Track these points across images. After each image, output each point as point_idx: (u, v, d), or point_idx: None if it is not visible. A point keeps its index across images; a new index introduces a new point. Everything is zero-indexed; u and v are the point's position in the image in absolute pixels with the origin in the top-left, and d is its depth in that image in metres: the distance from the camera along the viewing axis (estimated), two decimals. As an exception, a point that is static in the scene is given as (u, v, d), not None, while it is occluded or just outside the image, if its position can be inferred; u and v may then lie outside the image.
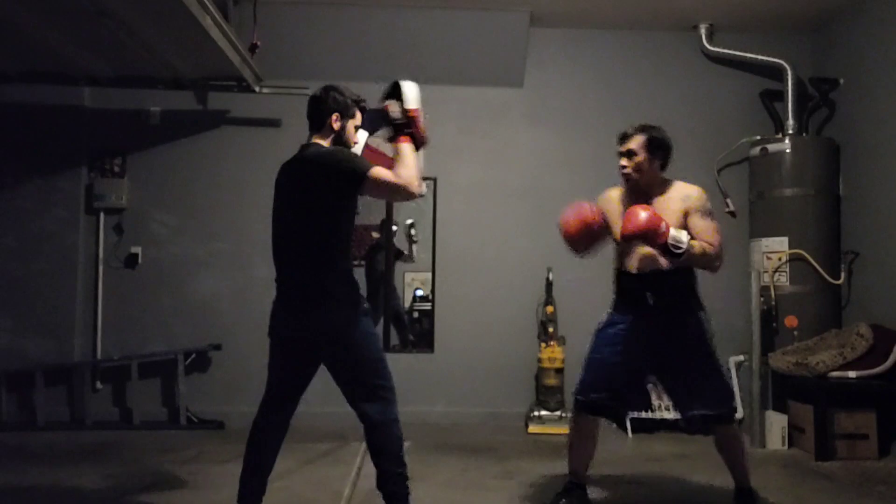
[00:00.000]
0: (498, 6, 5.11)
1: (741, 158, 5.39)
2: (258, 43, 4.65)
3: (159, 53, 4.42)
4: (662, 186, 3.08)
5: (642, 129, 3.07)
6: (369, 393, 2.70)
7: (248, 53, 4.61)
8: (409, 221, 5.66)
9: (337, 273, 2.64)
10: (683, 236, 2.82)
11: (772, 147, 5.06)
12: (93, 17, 3.77)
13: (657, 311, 3.05)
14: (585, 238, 3.08)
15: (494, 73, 5.41)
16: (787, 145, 5.02)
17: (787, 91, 5.21)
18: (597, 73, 5.55)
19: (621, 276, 3.20)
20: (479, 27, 5.25)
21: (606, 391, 3.11)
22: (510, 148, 5.48)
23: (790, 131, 5.15)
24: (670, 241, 2.78)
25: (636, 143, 3.03)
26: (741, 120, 5.44)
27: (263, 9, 4.76)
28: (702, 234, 2.94)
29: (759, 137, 5.22)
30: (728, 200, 5.43)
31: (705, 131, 5.49)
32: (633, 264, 3.09)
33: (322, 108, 2.88)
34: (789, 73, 5.21)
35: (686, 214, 2.98)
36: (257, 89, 5.04)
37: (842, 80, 5.16)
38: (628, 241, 2.89)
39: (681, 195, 3.03)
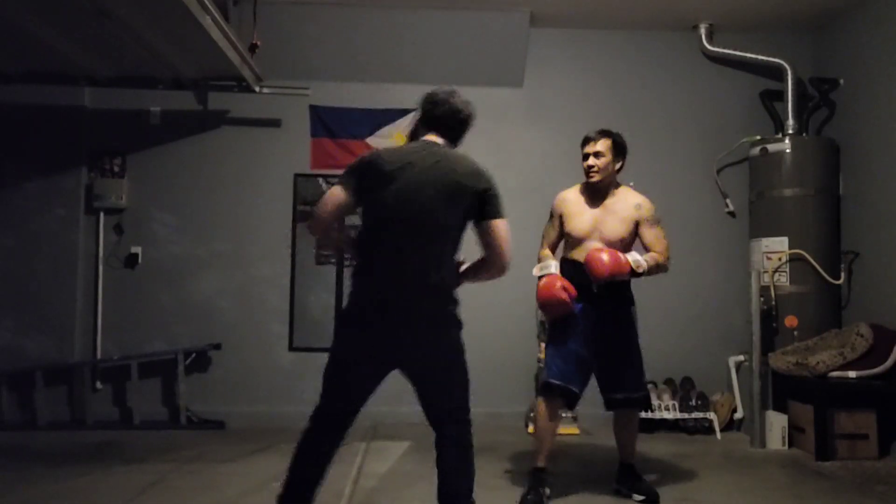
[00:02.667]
0: (498, 6, 5.11)
1: (741, 158, 5.40)
2: (258, 43, 4.65)
3: (159, 53, 4.43)
4: (615, 189, 3.46)
5: (608, 132, 3.41)
6: (460, 414, 2.68)
7: (248, 53, 4.61)
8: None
9: (455, 293, 2.63)
10: (642, 259, 3.27)
11: (772, 147, 5.06)
12: (93, 17, 3.77)
13: (600, 301, 3.35)
14: (560, 308, 3.31)
15: (494, 73, 5.41)
16: (787, 145, 5.02)
17: (787, 91, 5.21)
18: (597, 73, 5.55)
19: (571, 265, 3.40)
20: (479, 27, 5.25)
21: (578, 376, 3.36)
22: (510, 148, 5.48)
23: (790, 131, 5.15)
24: (633, 266, 3.22)
25: (604, 145, 3.38)
26: (741, 120, 5.44)
27: (263, 9, 4.76)
28: (653, 244, 3.38)
29: (759, 137, 5.22)
30: (727, 200, 5.44)
31: (705, 131, 5.49)
32: (582, 257, 3.33)
33: (466, 123, 2.68)
34: (789, 73, 5.21)
35: (638, 224, 3.39)
36: (257, 89, 5.03)
37: (842, 80, 5.16)
38: (600, 283, 3.26)
39: (633, 203, 3.42)
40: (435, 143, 2.57)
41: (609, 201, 3.41)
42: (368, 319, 2.44)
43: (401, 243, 2.43)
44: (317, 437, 2.61)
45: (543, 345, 5.10)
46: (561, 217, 3.47)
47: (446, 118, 2.60)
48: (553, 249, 3.56)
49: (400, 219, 2.42)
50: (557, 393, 3.34)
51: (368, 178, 2.44)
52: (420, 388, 2.61)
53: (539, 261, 3.49)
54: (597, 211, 3.40)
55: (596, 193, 3.42)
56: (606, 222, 3.38)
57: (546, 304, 3.32)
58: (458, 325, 2.63)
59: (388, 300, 2.42)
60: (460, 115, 2.62)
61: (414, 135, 2.69)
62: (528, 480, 3.41)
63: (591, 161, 3.37)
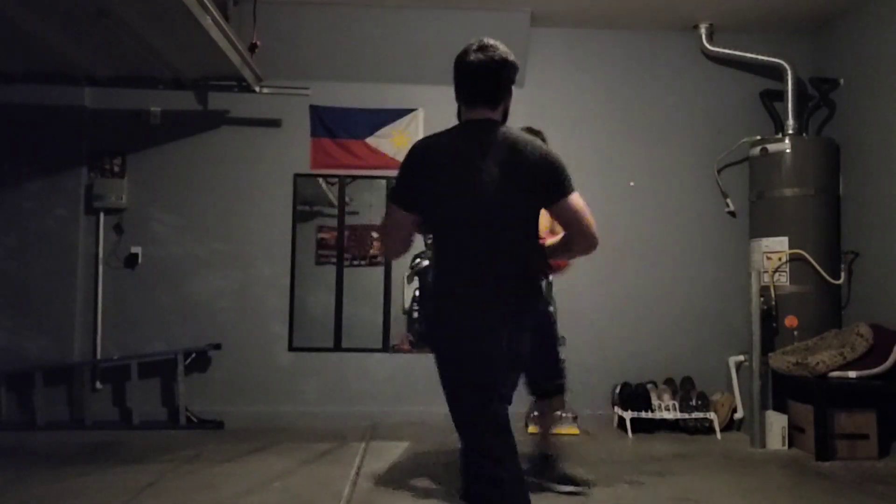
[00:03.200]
0: (498, 6, 5.11)
1: (741, 158, 5.39)
2: (258, 43, 4.65)
3: (159, 53, 4.43)
4: None
5: (536, 131, 3.24)
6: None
7: (248, 53, 4.61)
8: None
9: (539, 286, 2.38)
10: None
11: (772, 147, 5.06)
12: (93, 17, 3.77)
13: None
14: None
15: (494, 73, 5.41)
16: (787, 145, 5.02)
17: (787, 91, 5.21)
18: (597, 72, 5.54)
19: None
20: (479, 27, 5.20)
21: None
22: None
23: (790, 131, 5.15)
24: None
25: None
26: (741, 120, 5.44)
27: (263, 9, 4.76)
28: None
29: (759, 137, 5.22)
30: (727, 200, 5.44)
31: (705, 131, 5.49)
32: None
33: (508, 79, 2.31)
34: (789, 73, 5.21)
35: None
36: (257, 89, 5.03)
37: (842, 80, 5.16)
38: None
39: None
40: (480, 123, 2.25)
41: None
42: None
43: (473, 239, 2.19)
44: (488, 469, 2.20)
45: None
46: None
47: (474, 84, 2.24)
48: None
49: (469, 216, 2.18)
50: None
51: (423, 183, 2.18)
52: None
53: None
54: None
55: None
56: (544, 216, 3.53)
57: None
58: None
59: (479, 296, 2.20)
60: (492, 67, 2.23)
61: (458, 113, 2.35)
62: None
63: None
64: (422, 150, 2.23)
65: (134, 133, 5.30)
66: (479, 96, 2.27)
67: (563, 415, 4.96)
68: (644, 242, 5.38)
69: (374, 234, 2.15)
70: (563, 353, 3.76)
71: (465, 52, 2.25)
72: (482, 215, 2.16)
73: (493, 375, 2.26)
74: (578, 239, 2.29)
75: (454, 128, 2.29)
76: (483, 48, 2.24)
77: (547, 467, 3.55)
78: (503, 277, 2.19)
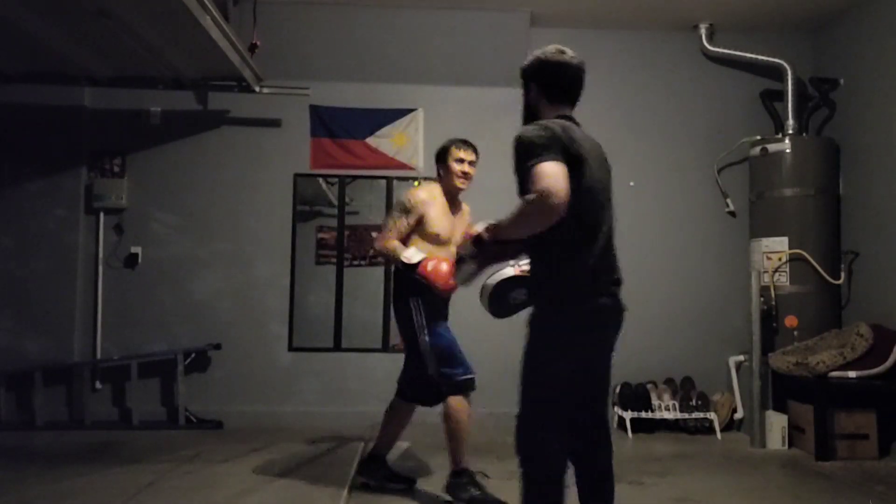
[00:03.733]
0: (498, 6, 5.12)
1: (741, 158, 5.40)
2: (258, 43, 4.65)
3: (159, 53, 4.43)
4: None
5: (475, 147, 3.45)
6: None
7: (248, 53, 4.61)
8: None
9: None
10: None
11: (772, 147, 5.06)
12: (93, 17, 3.77)
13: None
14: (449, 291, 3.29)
15: (494, 73, 5.41)
16: (787, 145, 5.02)
17: (787, 91, 5.21)
18: (597, 73, 5.48)
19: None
20: (479, 27, 5.25)
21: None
22: (510, 148, 5.46)
23: (790, 131, 5.15)
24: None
25: (475, 156, 3.45)
26: (741, 120, 5.44)
27: (263, 9, 4.77)
28: None
29: (759, 137, 5.22)
30: (727, 200, 5.44)
31: (705, 131, 5.49)
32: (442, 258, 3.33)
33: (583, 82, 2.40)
34: (789, 73, 5.21)
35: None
36: (257, 89, 5.03)
37: (842, 80, 5.16)
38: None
39: (467, 210, 3.57)
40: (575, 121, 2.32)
41: (458, 209, 3.52)
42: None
43: (606, 233, 2.26)
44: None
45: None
46: (421, 217, 3.34)
47: (577, 86, 2.37)
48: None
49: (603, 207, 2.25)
50: (473, 386, 3.37)
51: (573, 154, 2.16)
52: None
53: (393, 249, 3.29)
54: (453, 217, 3.46)
55: (454, 200, 3.48)
56: (457, 229, 3.43)
57: (445, 287, 3.21)
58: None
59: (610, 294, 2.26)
60: (583, 76, 2.38)
61: (533, 109, 2.45)
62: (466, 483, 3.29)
63: (468, 169, 3.41)
64: (563, 128, 2.20)
65: (134, 133, 5.31)
66: (577, 97, 2.41)
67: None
68: (644, 242, 5.37)
69: (539, 192, 1.85)
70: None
71: (561, 54, 2.38)
72: (608, 214, 2.29)
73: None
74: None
75: (564, 118, 2.32)
76: (570, 53, 2.40)
77: (377, 468, 3.52)
78: (620, 280, 2.31)
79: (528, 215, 2.13)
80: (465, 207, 3.58)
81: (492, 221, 2.35)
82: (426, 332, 3.32)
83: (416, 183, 3.44)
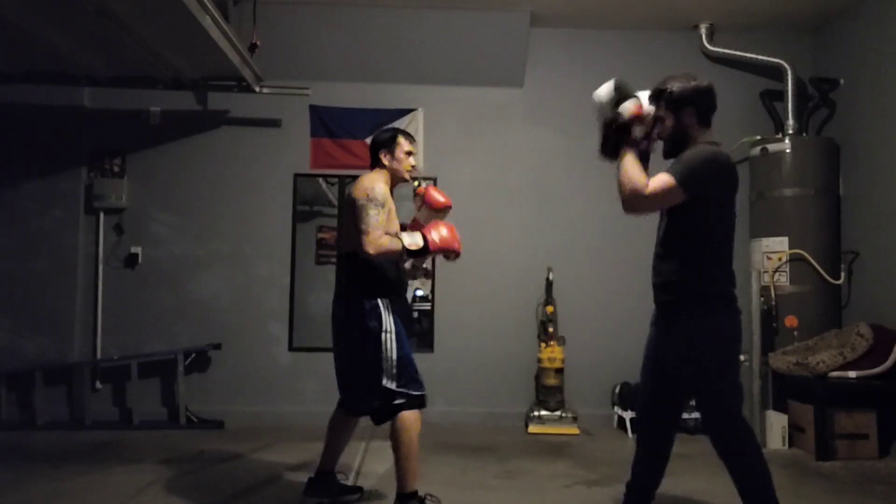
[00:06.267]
0: (498, 6, 5.11)
1: (741, 158, 5.38)
2: (258, 43, 4.65)
3: (159, 53, 4.42)
4: None
5: None
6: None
7: (248, 53, 4.61)
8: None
9: None
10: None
11: (772, 147, 5.06)
12: (93, 17, 3.77)
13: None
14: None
15: (494, 73, 5.42)
16: (787, 145, 5.02)
17: (787, 91, 5.21)
18: (597, 73, 5.46)
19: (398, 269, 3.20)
20: (479, 27, 5.25)
21: None
22: (510, 148, 5.48)
23: (790, 131, 5.15)
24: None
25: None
26: (741, 120, 5.44)
27: (263, 9, 4.76)
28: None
29: (759, 137, 5.22)
30: (728, 200, 5.44)
31: (705, 131, 5.49)
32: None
33: None
34: (789, 73, 5.21)
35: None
36: (257, 89, 5.03)
37: (842, 80, 5.16)
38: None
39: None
40: None
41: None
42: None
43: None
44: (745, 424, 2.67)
45: (543, 345, 5.10)
46: (389, 212, 3.03)
47: (714, 111, 2.66)
48: None
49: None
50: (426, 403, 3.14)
51: (731, 182, 2.76)
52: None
53: (390, 246, 2.92)
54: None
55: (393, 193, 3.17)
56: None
57: (459, 249, 3.09)
58: None
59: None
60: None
61: (684, 133, 2.65)
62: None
63: (413, 161, 3.23)
64: (732, 163, 2.72)
65: (134, 133, 5.31)
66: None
67: (563, 415, 4.97)
68: (644, 242, 5.35)
69: (629, 184, 2.33)
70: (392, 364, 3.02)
71: (698, 80, 2.64)
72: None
73: None
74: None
75: (718, 144, 2.68)
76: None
77: (329, 484, 3.31)
78: None
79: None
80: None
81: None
82: (393, 338, 2.99)
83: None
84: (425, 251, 2.97)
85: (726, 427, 2.60)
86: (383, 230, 2.92)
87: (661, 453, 2.76)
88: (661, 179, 2.53)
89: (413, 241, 2.95)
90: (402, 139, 3.18)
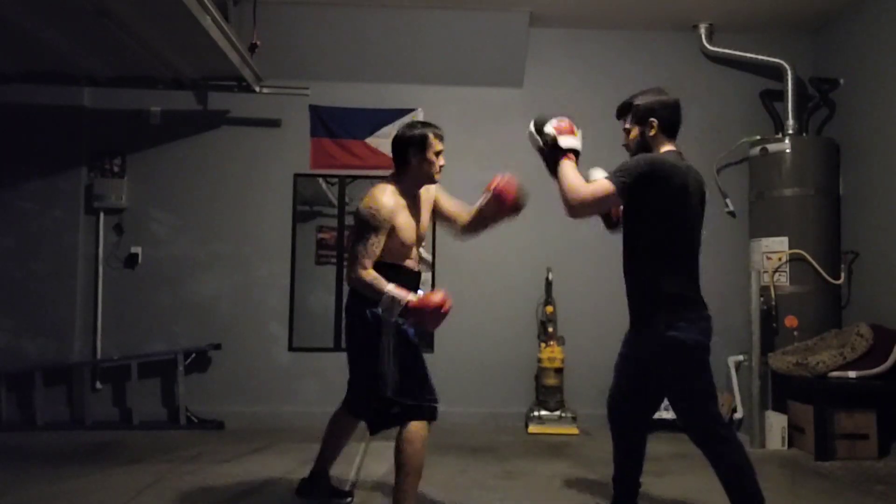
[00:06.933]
0: (498, 6, 5.11)
1: (741, 158, 5.39)
2: (258, 43, 4.65)
3: (159, 53, 4.43)
4: None
5: None
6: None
7: (248, 53, 4.61)
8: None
9: None
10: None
11: (772, 147, 5.06)
12: (93, 17, 3.77)
13: None
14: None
15: (494, 73, 5.41)
16: (787, 145, 5.02)
17: (787, 91, 5.21)
18: (597, 73, 5.54)
19: (400, 272, 2.92)
20: (479, 27, 5.25)
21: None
22: (510, 148, 5.46)
23: (790, 131, 5.15)
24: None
25: None
26: (741, 120, 5.44)
27: (263, 9, 4.76)
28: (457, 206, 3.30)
29: (759, 137, 5.21)
30: (727, 200, 5.44)
31: (705, 131, 5.48)
32: (413, 264, 3.02)
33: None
34: (789, 73, 5.21)
35: (435, 203, 3.15)
36: (257, 89, 5.04)
37: (842, 80, 5.16)
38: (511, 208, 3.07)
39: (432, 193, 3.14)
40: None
41: (419, 198, 3.02)
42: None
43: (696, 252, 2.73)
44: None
45: (543, 345, 5.10)
46: (393, 228, 2.82)
47: (678, 125, 2.78)
48: None
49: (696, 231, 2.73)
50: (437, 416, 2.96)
51: (671, 185, 2.60)
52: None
53: (370, 284, 2.75)
54: (416, 212, 2.97)
55: (416, 194, 2.99)
56: (423, 220, 3.03)
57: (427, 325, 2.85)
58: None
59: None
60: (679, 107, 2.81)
61: (645, 143, 2.75)
62: None
63: (443, 161, 2.97)
64: (671, 165, 2.62)
65: (134, 133, 5.31)
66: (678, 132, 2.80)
67: (563, 415, 4.97)
68: (644, 242, 5.37)
69: (574, 195, 2.36)
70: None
71: (666, 95, 2.80)
72: (698, 241, 2.72)
73: None
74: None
75: (674, 153, 2.72)
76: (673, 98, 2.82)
77: (322, 484, 3.27)
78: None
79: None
80: (431, 189, 3.09)
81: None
82: (398, 343, 2.85)
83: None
84: (402, 312, 2.73)
85: (705, 430, 2.68)
86: (371, 259, 2.76)
87: (635, 446, 3.07)
88: (598, 183, 2.64)
89: (398, 295, 2.71)
90: (433, 139, 2.90)
